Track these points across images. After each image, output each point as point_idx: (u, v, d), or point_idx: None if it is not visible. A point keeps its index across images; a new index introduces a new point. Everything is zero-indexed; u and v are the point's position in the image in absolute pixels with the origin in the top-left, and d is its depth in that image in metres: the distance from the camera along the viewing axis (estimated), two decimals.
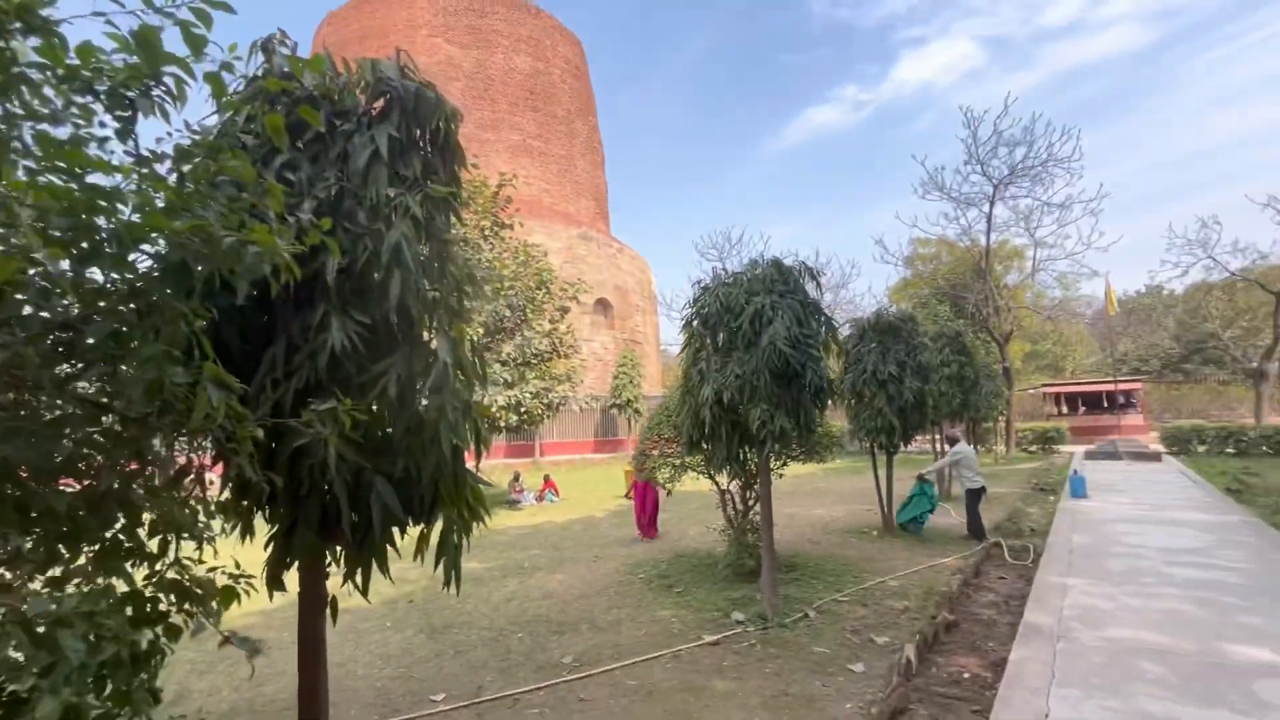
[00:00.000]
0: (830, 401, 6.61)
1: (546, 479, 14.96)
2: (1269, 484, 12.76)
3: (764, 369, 5.62)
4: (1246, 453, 19.76)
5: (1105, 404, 30.78)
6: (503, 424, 12.14)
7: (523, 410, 12.25)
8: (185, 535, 1.79)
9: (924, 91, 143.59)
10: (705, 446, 6.30)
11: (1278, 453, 19.18)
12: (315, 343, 2.11)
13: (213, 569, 2.20)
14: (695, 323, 6.26)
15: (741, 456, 6.20)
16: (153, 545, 1.99)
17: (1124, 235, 70.90)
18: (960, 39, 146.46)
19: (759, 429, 5.62)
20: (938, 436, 14.21)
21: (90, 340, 1.33)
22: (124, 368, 1.37)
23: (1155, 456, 19.27)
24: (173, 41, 1.69)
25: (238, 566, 2.25)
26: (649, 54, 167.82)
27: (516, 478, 14.69)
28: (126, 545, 1.67)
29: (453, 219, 2.70)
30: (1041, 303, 30.74)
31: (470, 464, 2.69)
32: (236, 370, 2.25)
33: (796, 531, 9.93)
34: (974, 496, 9.29)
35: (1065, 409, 32.99)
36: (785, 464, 7.63)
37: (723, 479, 7.73)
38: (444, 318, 2.36)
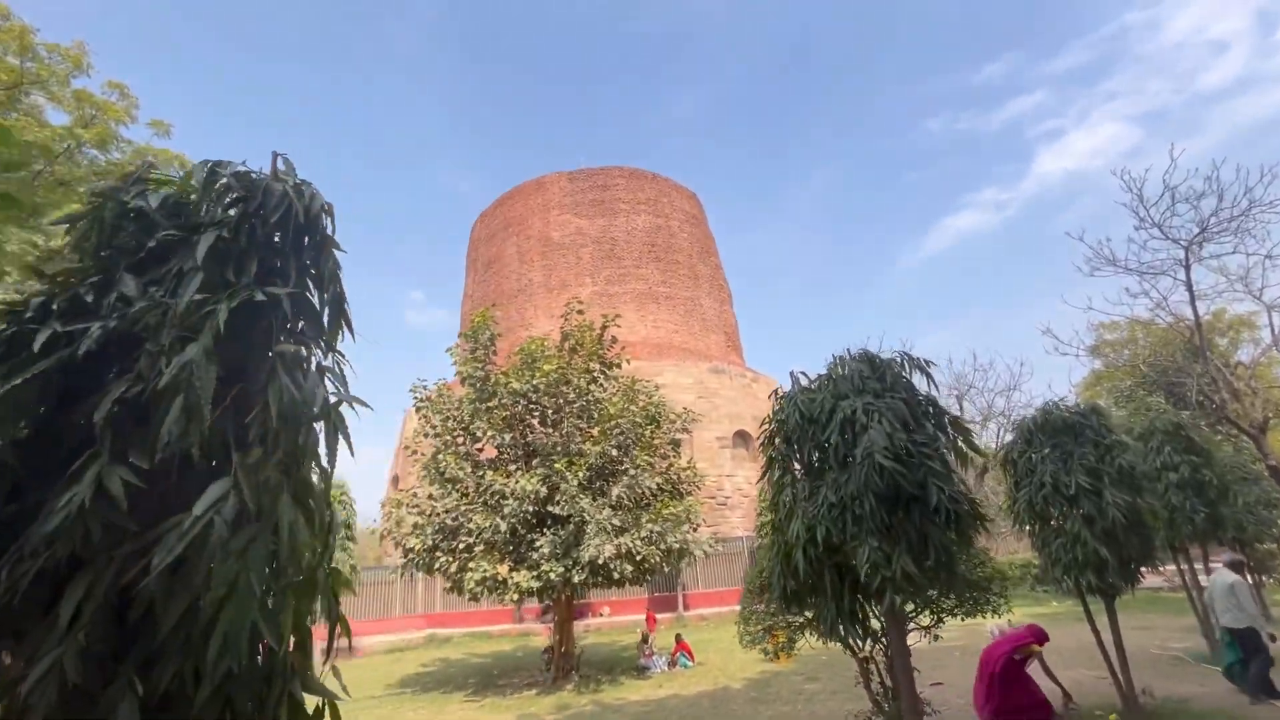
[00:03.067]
0: (986, 528, 4.95)
1: (678, 640, 13.20)
2: None
3: (866, 492, 4.30)
4: None
5: None
6: (617, 575, 11.06)
7: (639, 558, 11.13)
8: None
9: (1075, 179, 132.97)
10: (811, 600, 4.87)
11: None
12: (56, 504, 1.57)
13: None
14: (777, 440, 5.16)
15: (861, 613, 4.65)
16: None
17: None
18: (1105, 123, 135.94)
19: (871, 573, 4.18)
20: (1185, 567, 10.59)
21: None
22: None
23: None
24: None
25: None
26: (774, 195, 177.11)
27: (645, 639, 13.16)
28: None
29: (339, 330, 2.20)
30: None
31: (328, 646, 1.90)
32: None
33: None
34: (1243, 639, 7.15)
35: None
36: (939, 620, 5.73)
37: (862, 643, 5.95)
38: (256, 453, 1.74)
